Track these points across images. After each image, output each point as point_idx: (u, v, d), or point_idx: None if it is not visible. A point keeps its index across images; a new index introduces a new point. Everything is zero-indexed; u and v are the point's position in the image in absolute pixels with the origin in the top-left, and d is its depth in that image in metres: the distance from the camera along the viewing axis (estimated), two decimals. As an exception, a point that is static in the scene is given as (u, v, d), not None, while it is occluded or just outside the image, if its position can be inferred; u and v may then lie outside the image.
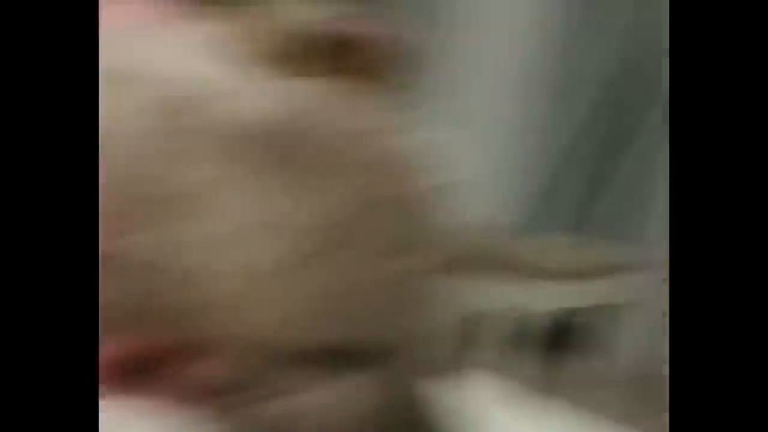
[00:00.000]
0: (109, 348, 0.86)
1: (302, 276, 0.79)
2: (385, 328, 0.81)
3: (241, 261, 0.78)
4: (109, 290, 0.80)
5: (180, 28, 0.82)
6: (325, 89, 0.83)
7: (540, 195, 1.34)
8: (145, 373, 0.85)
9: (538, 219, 1.35)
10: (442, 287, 0.87)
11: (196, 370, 0.80)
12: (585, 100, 1.35)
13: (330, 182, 0.80)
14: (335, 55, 0.92)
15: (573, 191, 1.35)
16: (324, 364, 0.77)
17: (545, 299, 1.20)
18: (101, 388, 0.83)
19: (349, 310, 0.79)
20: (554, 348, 1.20)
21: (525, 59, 1.33)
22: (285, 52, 0.83)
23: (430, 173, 0.87)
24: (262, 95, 0.80)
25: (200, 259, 0.79)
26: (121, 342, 0.86)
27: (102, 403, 0.81)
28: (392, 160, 0.85)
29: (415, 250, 0.81)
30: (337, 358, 0.78)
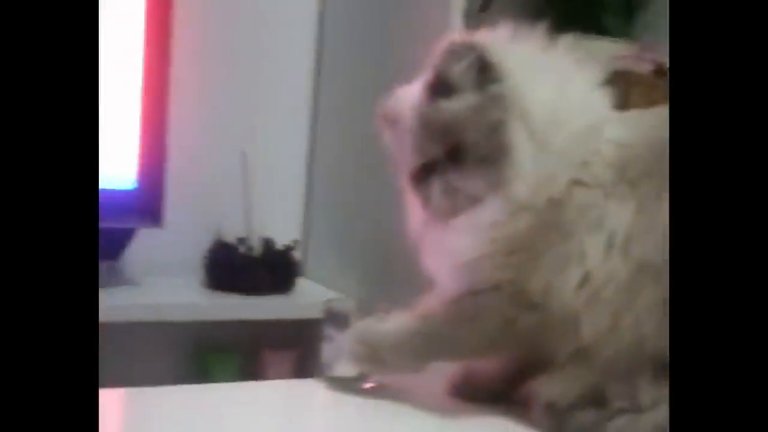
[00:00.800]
0: (468, 367, 0.90)
1: (642, 287, 0.79)
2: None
3: (598, 277, 0.80)
4: (483, 316, 0.80)
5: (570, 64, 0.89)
6: (656, 112, 0.85)
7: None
8: (499, 391, 0.89)
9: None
10: None
11: (545, 387, 0.79)
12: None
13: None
14: (654, 83, 0.95)
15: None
16: (659, 379, 0.76)
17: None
18: (457, 405, 0.86)
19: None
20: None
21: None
22: (625, 85, 0.84)
23: None
24: (624, 122, 0.85)
25: (564, 281, 0.82)
26: (480, 362, 0.89)
27: (460, 419, 0.84)
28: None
29: None
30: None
